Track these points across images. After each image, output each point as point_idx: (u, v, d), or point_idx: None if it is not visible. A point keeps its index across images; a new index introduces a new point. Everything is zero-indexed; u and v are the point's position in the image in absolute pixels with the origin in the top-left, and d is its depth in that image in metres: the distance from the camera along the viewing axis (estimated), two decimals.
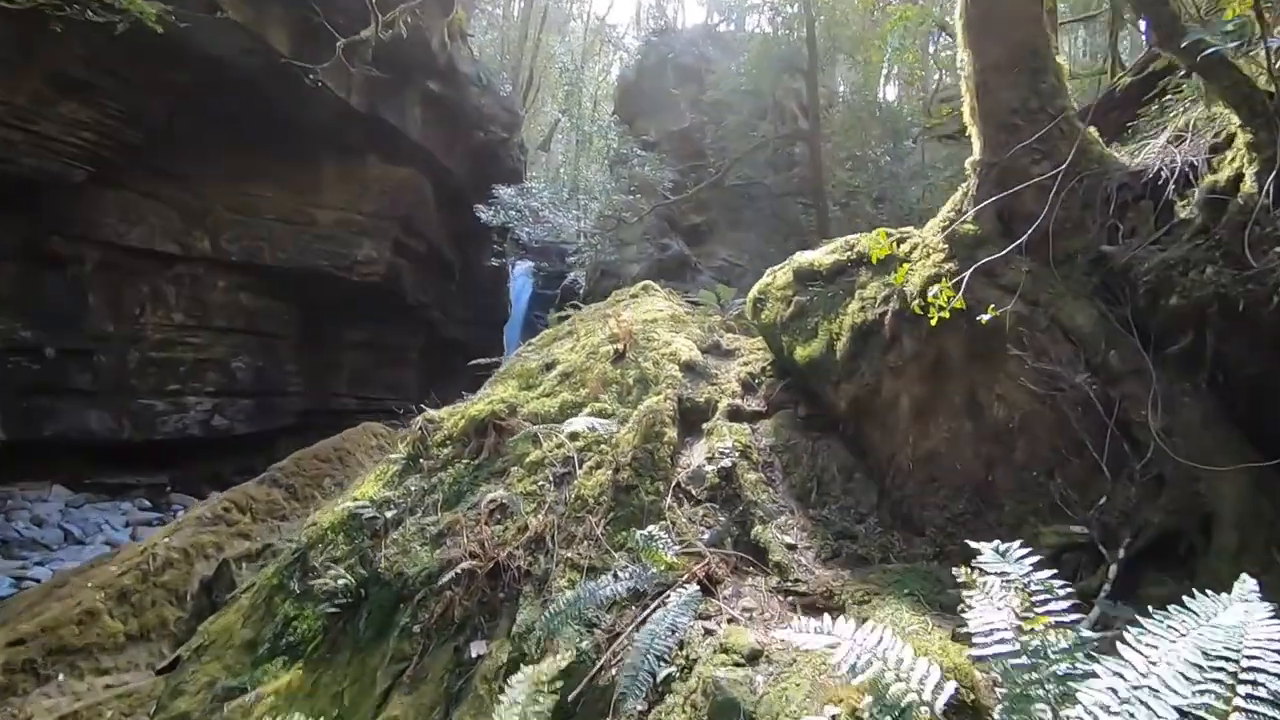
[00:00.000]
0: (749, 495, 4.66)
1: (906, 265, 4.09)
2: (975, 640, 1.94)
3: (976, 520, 3.91)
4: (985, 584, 2.07)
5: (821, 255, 5.31)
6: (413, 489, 5.90)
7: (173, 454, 16.46)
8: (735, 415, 5.51)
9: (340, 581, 5.26)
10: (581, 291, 16.12)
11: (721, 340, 7.23)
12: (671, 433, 5.14)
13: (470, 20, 21.95)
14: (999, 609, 1.95)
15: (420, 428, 6.45)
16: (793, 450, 5.05)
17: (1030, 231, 3.51)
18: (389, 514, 5.67)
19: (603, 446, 5.23)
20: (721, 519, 4.56)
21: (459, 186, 20.77)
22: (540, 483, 5.23)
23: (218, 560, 7.02)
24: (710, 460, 4.94)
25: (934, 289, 3.36)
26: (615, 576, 4.01)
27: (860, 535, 4.26)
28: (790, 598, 3.90)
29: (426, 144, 19.55)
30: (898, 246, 4.56)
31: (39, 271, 15.24)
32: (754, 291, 6.12)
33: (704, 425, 5.43)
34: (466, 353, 9.75)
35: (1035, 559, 2.20)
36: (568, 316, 8.24)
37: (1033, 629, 1.84)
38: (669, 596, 3.85)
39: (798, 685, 2.88)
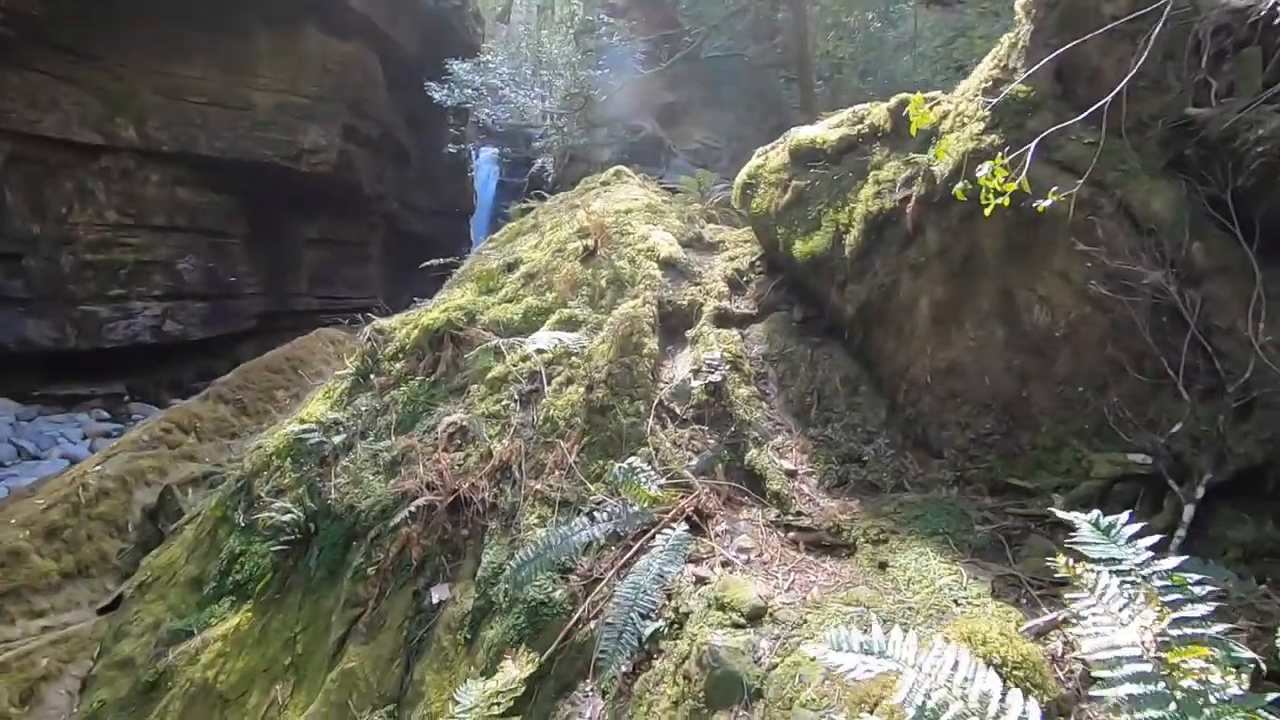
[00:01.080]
0: (741, 413, 4.07)
1: (943, 140, 3.32)
2: (1095, 667, 1.39)
3: (1006, 441, 3.37)
4: (1096, 583, 1.50)
5: (824, 130, 4.49)
6: (363, 409, 5.25)
7: (128, 362, 15.56)
8: (723, 320, 4.85)
9: (287, 516, 4.70)
10: (549, 179, 14.98)
11: (704, 232, 6.46)
12: (651, 343, 4.48)
13: None
14: (1123, 624, 1.39)
15: (369, 339, 5.73)
16: (789, 360, 4.43)
17: (1100, 93, 2.75)
18: (337, 438, 5.05)
19: (574, 359, 4.57)
20: (711, 442, 3.99)
21: (410, 63, 18.96)
22: (504, 402, 4.60)
23: (161, 486, 6.41)
24: (696, 373, 4.31)
25: (983, 168, 2.63)
26: (591, 518, 3.45)
27: (869, 458, 3.73)
28: (792, 534, 3.39)
29: (370, 12, 17.61)
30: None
31: None
32: (743, 175, 5.32)
33: (688, 332, 4.77)
34: (431, 247, 8.87)
35: (1153, 540, 1.63)
36: (531, 208, 7.37)
37: (1179, 660, 1.28)
38: (654, 539, 3.32)
39: (812, 661, 2.38)
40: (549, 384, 4.51)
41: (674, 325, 4.94)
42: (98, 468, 6.17)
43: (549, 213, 7.01)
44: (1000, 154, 2.74)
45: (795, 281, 4.80)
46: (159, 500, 6.25)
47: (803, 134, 4.70)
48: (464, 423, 4.57)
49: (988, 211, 2.62)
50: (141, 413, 14.63)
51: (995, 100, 3.22)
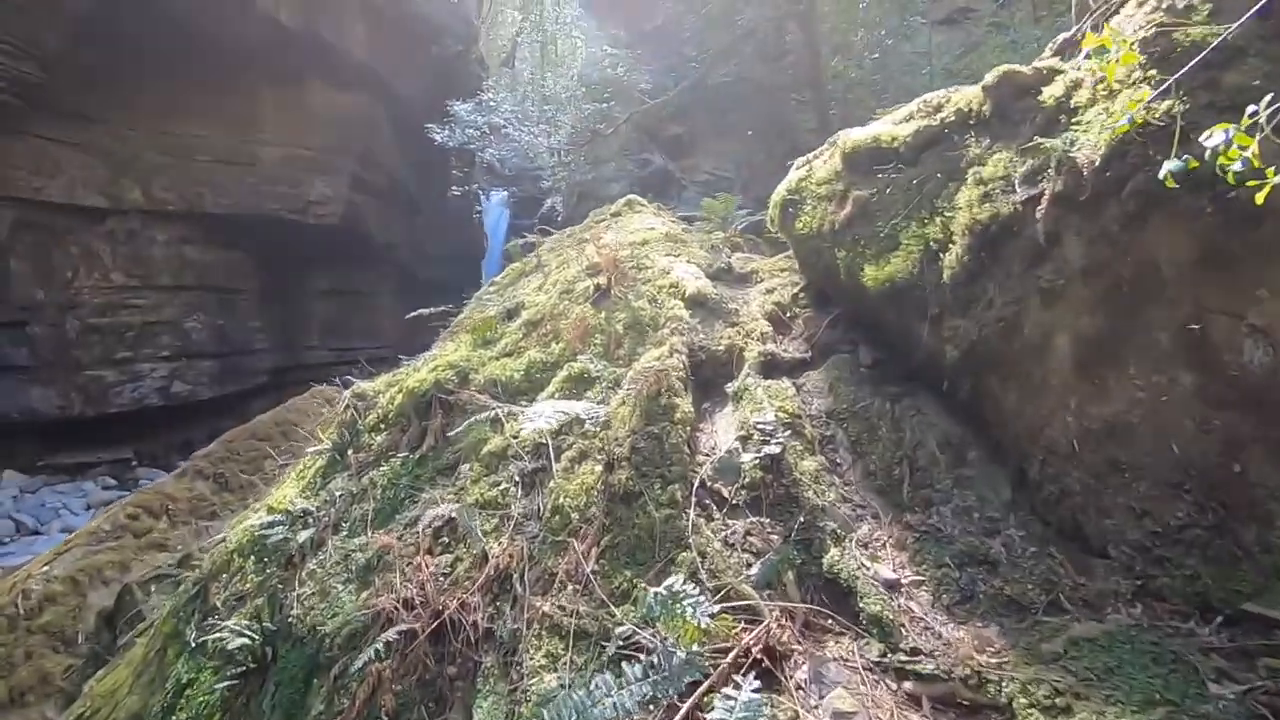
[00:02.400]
0: (810, 495, 2.98)
1: (1082, 117, 2.27)
2: None
3: (1213, 537, 2.25)
4: None
5: (889, 127, 3.46)
6: (338, 495, 4.21)
7: (136, 425, 14.72)
8: (770, 367, 3.78)
9: (239, 641, 3.63)
10: (559, 218, 14.15)
11: (732, 262, 5.43)
12: (684, 404, 3.41)
13: None
14: None
15: (348, 407, 4.71)
16: (863, 418, 3.34)
17: None
18: (304, 534, 3.99)
19: (588, 427, 3.51)
20: (773, 538, 2.89)
21: (416, 111, 18.33)
22: (503, 486, 3.53)
23: (121, 585, 5.39)
24: (745, 441, 3.23)
25: (1211, 137, 1.58)
26: (618, 670, 2.35)
27: (999, 559, 2.60)
28: (908, 684, 2.27)
29: (373, 64, 17.03)
30: (1034, 93, 2.73)
31: None
32: (780, 192, 4.29)
33: (728, 386, 3.70)
34: (443, 292, 7.93)
35: None
36: (534, 245, 6.38)
37: None
38: (711, 705, 2.21)
39: None
40: (557, 461, 3.45)
41: (709, 377, 3.88)
42: (45, 568, 5.18)
43: (555, 250, 6.01)
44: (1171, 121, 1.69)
45: (858, 316, 3.73)
46: (116, 602, 5.22)
47: (858, 134, 3.66)
48: (452, 514, 3.50)
49: (1260, 198, 1.56)
50: (149, 477, 13.72)
51: (1167, 52, 2.17)
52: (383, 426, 4.40)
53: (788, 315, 4.42)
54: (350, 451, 4.45)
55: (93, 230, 14.47)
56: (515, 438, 3.70)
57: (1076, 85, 2.55)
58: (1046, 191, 2.44)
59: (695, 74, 12.61)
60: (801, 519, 2.89)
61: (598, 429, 3.45)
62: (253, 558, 4.22)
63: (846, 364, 3.69)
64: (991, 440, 2.90)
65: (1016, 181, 2.58)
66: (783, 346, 4.05)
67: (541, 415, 3.12)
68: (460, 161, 14.33)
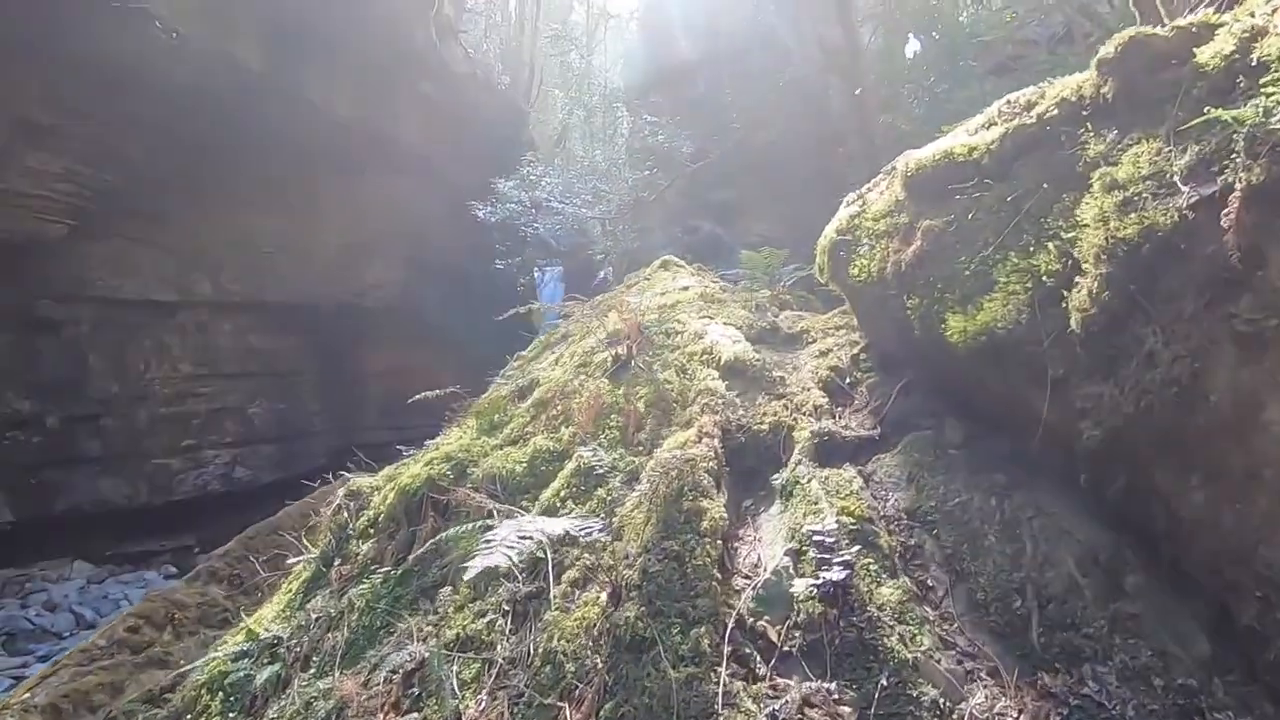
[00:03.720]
0: (894, 643, 2.04)
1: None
2: None
3: None
4: None
5: (966, 137, 2.64)
6: (314, 618, 3.45)
7: (198, 513, 14.59)
8: (828, 451, 2.89)
9: None
10: (611, 289, 13.66)
11: (779, 320, 4.61)
12: (714, 508, 2.54)
13: (461, 18, 19.63)
14: None
15: (340, 508, 4.02)
16: (959, 520, 2.39)
17: None
18: (266, 672, 3.24)
19: (593, 534, 2.68)
20: (843, 711, 1.96)
21: (468, 191, 18.52)
22: (489, 616, 2.70)
23: (112, 711, 4.72)
24: (798, 555, 2.33)
25: None
26: None
27: None
28: None
29: (427, 151, 17.31)
30: (1179, 61, 1.88)
31: (32, 338, 13.48)
32: (829, 234, 3.48)
33: (774, 478, 2.81)
34: (499, 367, 7.41)
35: None
36: (567, 314, 5.71)
37: None
38: None
39: None
40: (557, 581, 2.61)
41: (751, 465, 3.01)
42: (27, 695, 4.60)
43: (582, 319, 5.32)
44: None
45: (940, 380, 2.83)
46: None
47: (923, 153, 2.85)
48: (425, 656, 2.69)
49: None
50: None
51: None
52: (371, 531, 3.67)
53: (847, 382, 3.54)
54: (336, 562, 3.73)
55: (164, 324, 14.75)
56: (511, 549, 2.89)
57: (1258, 34, 1.70)
58: (1236, 186, 1.56)
59: (737, 135, 12.11)
60: (884, 680, 1.95)
61: (608, 541, 2.62)
62: (220, 696, 3.49)
63: (928, 444, 2.76)
64: (1164, 559, 1.92)
65: (1177, 178, 1.71)
66: (843, 422, 3.16)
67: (524, 534, 2.31)
68: (503, 235, 14.11)
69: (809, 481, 2.64)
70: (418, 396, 4.40)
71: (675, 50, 16.02)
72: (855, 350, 3.78)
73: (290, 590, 3.89)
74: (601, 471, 3.05)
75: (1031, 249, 2.09)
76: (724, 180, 16.63)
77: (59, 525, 13.33)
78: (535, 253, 19.83)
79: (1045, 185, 2.11)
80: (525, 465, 3.38)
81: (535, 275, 21.94)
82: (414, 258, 17.21)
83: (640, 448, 3.17)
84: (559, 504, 3.00)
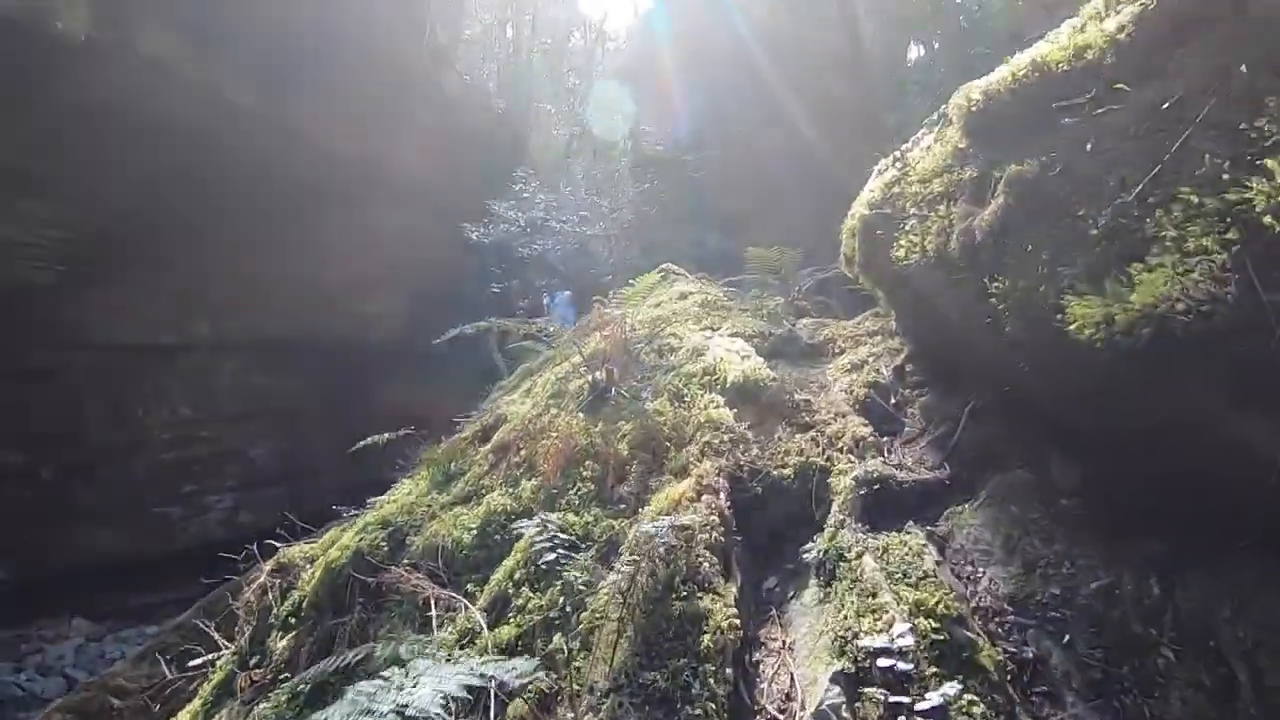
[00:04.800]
0: None
1: None
2: None
3: None
4: None
5: (1063, 40, 1.77)
6: None
7: (201, 561, 13.80)
8: (881, 503, 2.01)
9: None
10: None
11: (797, 329, 3.74)
12: (721, 608, 1.66)
13: (456, 47, 19.21)
14: None
15: (262, 588, 3.18)
16: (1103, 618, 1.50)
17: None
18: None
19: (555, 644, 1.82)
20: None
21: (470, 217, 17.95)
22: None
23: None
24: (853, 689, 1.46)
25: None
26: None
27: None
28: None
29: (426, 180, 16.72)
30: None
31: (24, 388, 12.89)
32: (859, 209, 2.64)
33: (807, 551, 1.93)
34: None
35: None
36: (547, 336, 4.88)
37: None
38: None
39: None
40: None
41: (771, 525, 2.14)
42: None
43: (570, 342, 4.49)
44: None
45: (1039, 396, 1.94)
46: None
47: (992, 80, 1.99)
48: None
49: None
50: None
51: None
52: (293, 622, 2.82)
53: (892, 402, 2.66)
54: (253, 661, 2.88)
55: (161, 368, 14.16)
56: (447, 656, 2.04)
57: None
58: None
59: (739, 141, 11.34)
60: None
61: (570, 655, 1.75)
62: None
63: (1027, 492, 1.87)
64: None
65: None
66: (896, 459, 2.28)
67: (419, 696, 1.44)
68: (498, 258, 13.38)
69: (859, 557, 1.76)
70: (362, 444, 3.57)
71: (674, 62, 15.37)
72: (898, 360, 2.91)
73: (203, 698, 3.05)
74: (566, 545, 2.18)
75: (1225, 176, 1.23)
76: (731, 191, 15.85)
77: (57, 581, 12.64)
78: (541, 276, 19.14)
79: (1245, 68, 1.26)
80: (475, 533, 2.52)
81: (545, 300, 21.26)
82: (417, 289, 16.55)
83: (622, 505, 2.30)
84: (511, 590, 2.14)
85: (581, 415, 2.80)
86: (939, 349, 2.44)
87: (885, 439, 2.47)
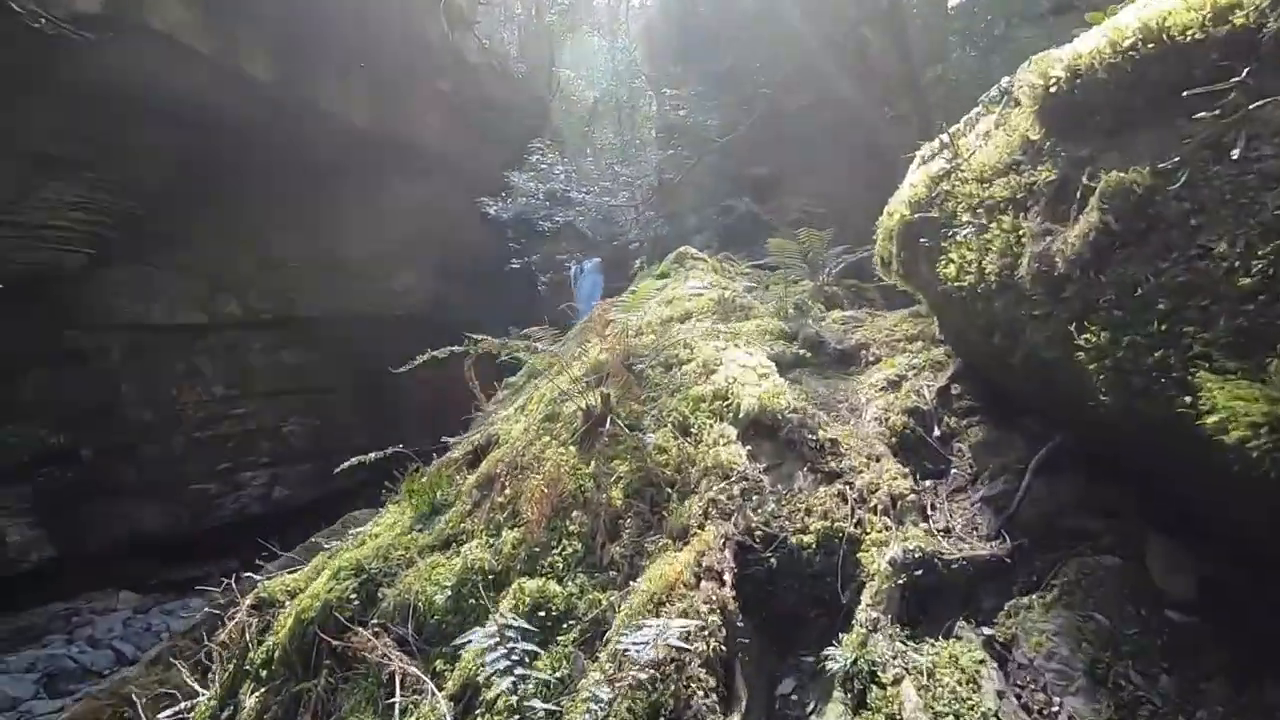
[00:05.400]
0: None
1: None
2: None
3: None
4: None
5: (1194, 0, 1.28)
6: None
7: (238, 536, 14.08)
8: (924, 594, 1.61)
9: None
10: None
11: (825, 329, 3.29)
12: None
13: (475, 10, 18.50)
14: None
15: (239, 626, 2.92)
16: None
17: None
18: None
19: None
20: None
21: (492, 191, 17.55)
22: None
23: None
24: None
25: None
26: None
27: None
28: None
29: (447, 150, 16.31)
30: None
31: (62, 370, 13.07)
32: (898, 208, 2.16)
33: (830, 657, 1.55)
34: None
35: None
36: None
37: None
38: None
39: None
40: None
41: (789, 606, 1.75)
42: None
43: (578, 337, 4.11)
44: None
45: (1135, 463, 1.50)
46: None
47: (1076, 50, 1.50)
48: None
49: None
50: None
51: None
52: (264, 675, 2.55)
53: (936, 434, 2.23)
54: (225, 715, 2.63)
55: (193, 347, 14.24)
56: None
57: None
58: None
59: (766, 101, 10.62)
60: None
61: None
62: None
63: (1119, 589, 1.44)
64: None
65: None
66: (941, 519, 1.86)
67: None
68: (518, 232, 12.94)
69: (896, 683, 1.36)
70: (346, 465, 3.25)
71: (698, 19, 14.51)
72: (942, 379, 2.45)
73: None
74: (549, 622, 1.83)
75: None
76: (759, 154, 15.10)
77: (102, 557, 12.98)
78: (571, 245, 18.73)
79: None
80: (450, 594, 2.19)
81: (572, 269, 20.84)
82: (442, 262, 16.31)
83: (613, 572, 1.93)
84: (482, 678, 1.80)
85: (573, 449, 2.42)
86: (996, 372, 1.98)
87: (927, 486, 2.04)
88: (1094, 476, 1.69)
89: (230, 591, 3.22)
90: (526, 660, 1.50)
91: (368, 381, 16.17)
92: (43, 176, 12.04)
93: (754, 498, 1.99)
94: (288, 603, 2.86)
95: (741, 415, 2.33)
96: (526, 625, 1.60)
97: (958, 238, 1.75)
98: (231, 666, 2.82)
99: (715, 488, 2.00)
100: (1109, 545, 1.55)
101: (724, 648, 1.49)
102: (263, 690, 2.48)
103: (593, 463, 2.29)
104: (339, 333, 15.40)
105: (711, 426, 2.33)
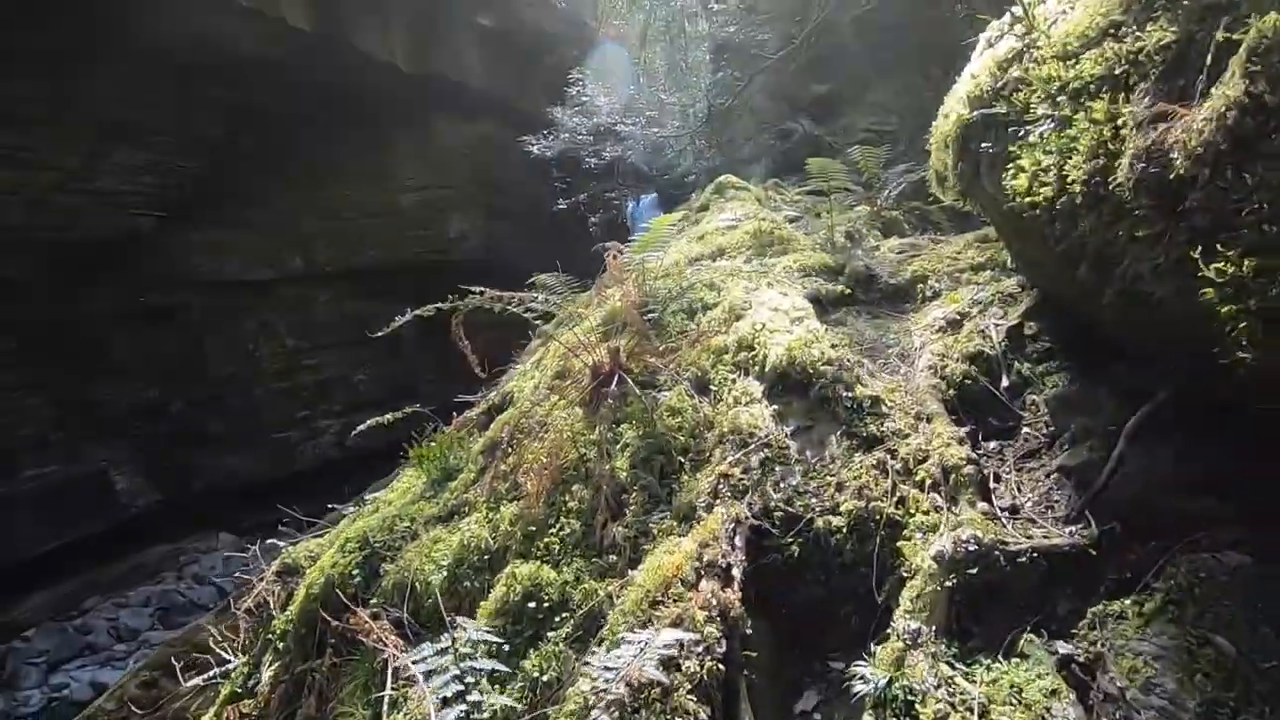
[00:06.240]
0: None
1: None
2: None
3: None
4: None
5: None
6: None
7: (319, 480, 14.83)
8: (980, 596, 1.28)
9: None
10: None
11: (877, 262, 2.86)
12: None
13: None
14: None
15: (263, 593, 2.86)
16: None
17: None
18: None
19: None
20: None
21: (540, 128, 17.08)
22: None
23: None
24: None
25: None
26: None
27: None
28: None
29: (492, 88, 15.88)
30: None
31: (148, 329, 13.78)
32: (954, 109, 1.70)
33: (861, 679, 1.26)
34: None
35: None
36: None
37: None
38: None
39: None
40: None
41: (812, 604, 1.46)
42: None
43: (598, 282, 3.79)
44: None
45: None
46: None
47: None
48: None
49: None
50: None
51: None
52: (280, 648, 2.47)
53: (1004, 384, 1.83)
54: (251, 684, 2.59)
55: (265, 301, 14.74)
56: None
57: None
58: None
59: (823, 7, 9.64)
60: None
61: None
62: None
63: (1249, 595, 1.07)
64: None
65: None
66: (1006, 496, 1.50)
67: None
68: (563, 171, 12.45)
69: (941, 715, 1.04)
70: (362, 427, 3.10)
71: None
72: (1014, 315, 2.03)
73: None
74: (540, 614, 1.60)
75: None
76: (818, 69, 13.99)
77: (201, 501, 13.91)
78: (625, 181, 18.16)
79: None
80: (446, 574, 1.99)
81: (629, 206, 20.25)
82: (494, 205, 16.11)
83: (613, 557, 1.68)
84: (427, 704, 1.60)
85: (579, 411, 2.15)
86: (1082, 307, 1.57)
87: (991, 450, 1.67)
88: (1211, 445, 1.29)
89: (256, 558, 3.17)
90: (485, 683, 1.26)
91: (433, 328, 16.43)
92: (112, 143, 12.35)
93: (776, 469, 1.67)
94: (309, 570, 2.77)
95: (768, 369, 1.99)
96: (489, 635, 1.36)
97: (1031, 138, 1.33)
98: (258, 634, 2.78)
99: (730, 459, 1.69)
100: (1233, 538, 1.16)
101: (723, 667, 1.22)
102: (277, 665, 2.40)
103: (598, 428, 2.02)
104: (400, 281, 15.56)
105: (734, 382, 2.01)
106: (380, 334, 2.36)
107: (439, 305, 2.46)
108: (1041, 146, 1.35)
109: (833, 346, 2.01)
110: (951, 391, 1.88)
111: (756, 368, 2.03)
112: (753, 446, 1.72)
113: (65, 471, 12.54)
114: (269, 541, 3.29)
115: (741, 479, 1.61)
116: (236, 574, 4.57)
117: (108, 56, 11.67)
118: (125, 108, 12.13)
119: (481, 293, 2.57)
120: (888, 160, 4.47)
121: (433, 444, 2.80)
